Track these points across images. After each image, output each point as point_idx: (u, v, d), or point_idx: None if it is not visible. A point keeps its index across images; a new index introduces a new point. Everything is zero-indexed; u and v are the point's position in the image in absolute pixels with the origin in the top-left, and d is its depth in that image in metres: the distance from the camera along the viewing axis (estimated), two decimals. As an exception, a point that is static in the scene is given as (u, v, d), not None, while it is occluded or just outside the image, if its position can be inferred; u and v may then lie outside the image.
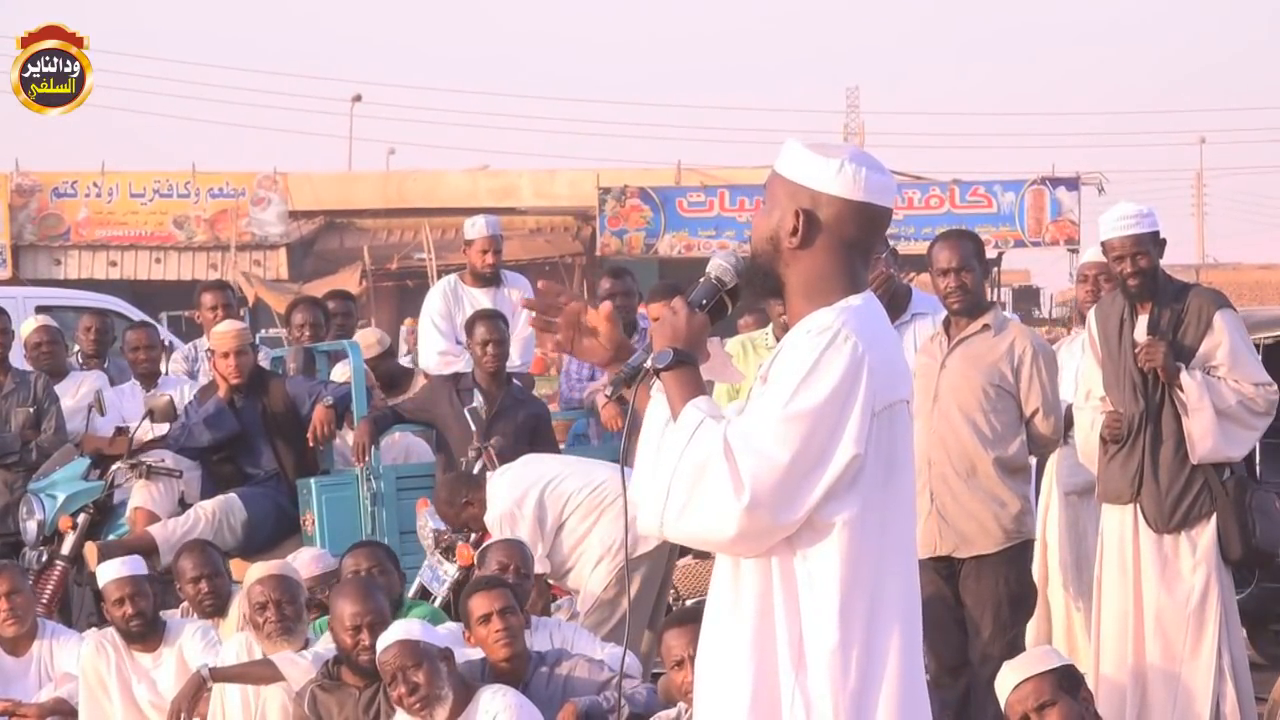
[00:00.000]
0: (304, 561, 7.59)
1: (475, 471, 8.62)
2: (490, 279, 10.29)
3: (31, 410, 9.93)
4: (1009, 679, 5.40)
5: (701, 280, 3.74)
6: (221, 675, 6.86)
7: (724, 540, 3.50)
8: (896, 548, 3.59)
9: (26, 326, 10.67)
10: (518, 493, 8.06)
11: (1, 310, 10.38)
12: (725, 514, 3.45)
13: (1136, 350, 7.09)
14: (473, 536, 8.36)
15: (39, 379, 10.05)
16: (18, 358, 10.43)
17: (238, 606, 7.30)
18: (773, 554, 3.52)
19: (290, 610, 6.95)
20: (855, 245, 3.63)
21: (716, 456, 3.45)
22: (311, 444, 9.42)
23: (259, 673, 6.82)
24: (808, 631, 3.52)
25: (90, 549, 8.91)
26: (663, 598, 8.36)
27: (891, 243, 7.96)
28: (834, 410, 3.46)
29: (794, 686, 3.52)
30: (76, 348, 11.85)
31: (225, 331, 9.61)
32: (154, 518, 9.26)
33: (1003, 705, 5.44)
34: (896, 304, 7.75)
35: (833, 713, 3.50)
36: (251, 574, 7.15)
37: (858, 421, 3.47)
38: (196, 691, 6.84)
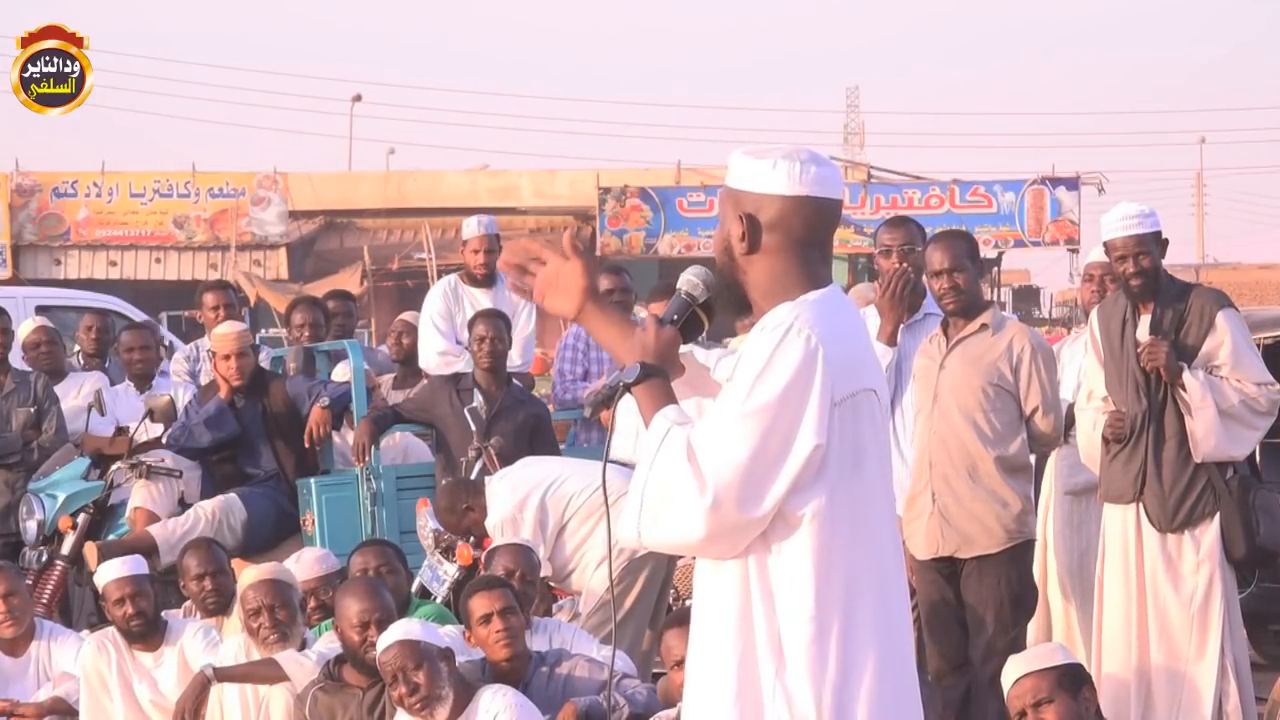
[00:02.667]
0: (307, 562, 7.58)
1: (474, 474, 8.61)
2: (486, 279, 10.28)
3: (32, 410, 9.93)
4: (1012, 673, 5.40)
5: (674, 297, 3.77)
6: (226, 675, 6.86)
7: (695, 542, 3.52)
8: (870, 536, 3.59)
9: (24, 328, 10.66)
10: (519, 496, 8.05)
11: (2, 310, 10.38)
12: (692, 515, 3.48)
13: (1139, 350, 7.09)
14: (472, 537, 8.35)
15: (39, 379, 10.06)
16: (16, 358, 10.43)
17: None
18: (749, 552, 3.55)
19: (284, 615, 6.95)
20: (806, 241, 3.64)
21: (680, 460, 3.48)
22: (308, 445, 9.42)
23: (263, 672, 6.82)
24: (785, 627, 3.54)
25: (90, 549, 8.90)
26: (663, 598, 8.35)
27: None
28: (790, 403, 3.48)
29: (775, 682, 3.54)
30: (77, 348, 11.85)
31: (225, 334, 9.60)
32: (154, 518, 9.26)
33: (1005, 699, 5.45)
34: (912, 304, 7.72)
35: (814, 706, 3.52)
36: (244, 579, 7.15)
37: (816, 413, 3.48)
38: (201, 692, 6.84)
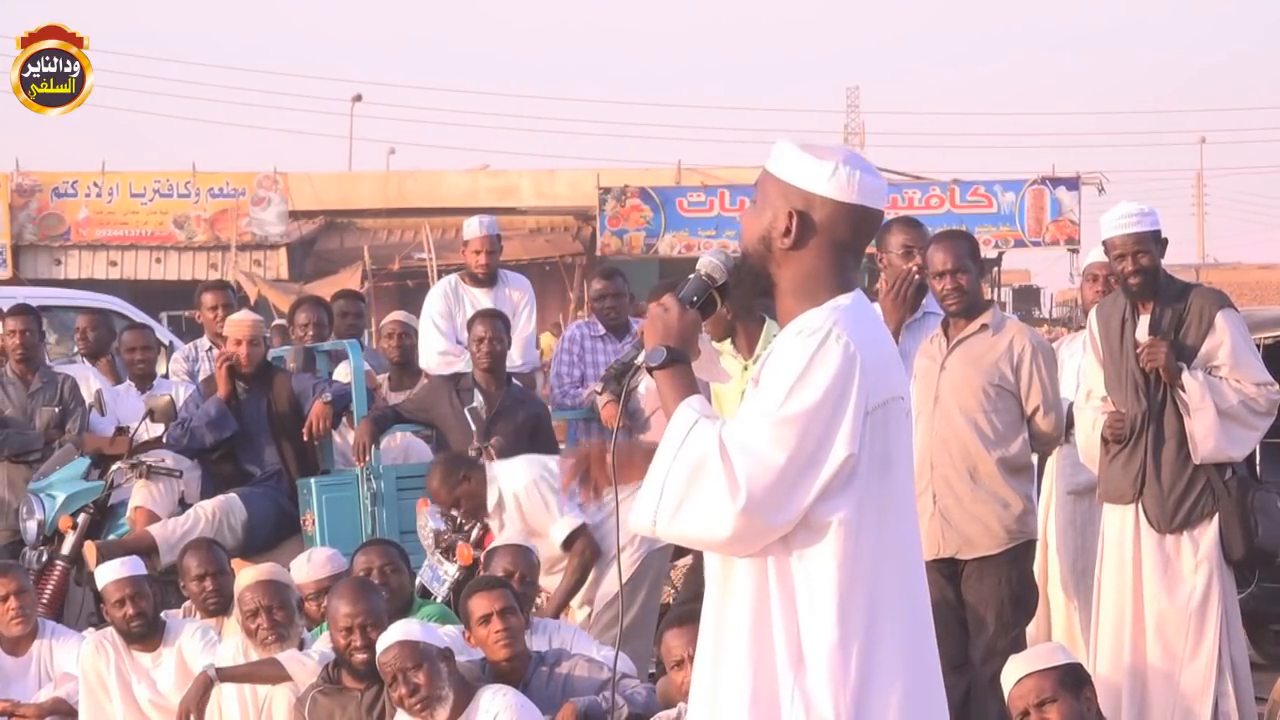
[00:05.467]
0: (318, 563, 7.55)
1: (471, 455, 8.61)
2: (486, 279, 10.29)
3: (56, 410, 9.94)
4: (1013, 673, 5.40)
5: (691, 277, 3.76)
6: (228, 675, 6.85)
7: (719, 541, 3.51)
8: (895, 544, 3.59)
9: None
10: (539, 463, 8.02)
11: (31, 310, 10.38)
12: (721, 515, 3.46)
13: (1138, 350, 7.09)
14: (473, 535, 8.34)
15: (66, 381, 10.08)
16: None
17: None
18: (768, 554, 3.53)
19: (281, 615, 6.94)
20: (846, 247, 3.65)
21: (712, 457, 3.46)
22: (307, 439, 9.42)
23: (266, 672, 6.81)
24: (805, 631, 3.52)
25: (90, 549, 8.90)
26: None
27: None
28: (827, 411, 3.47)
29: (793, 686, 3.52)
30: (76, 349, 11.84)
31: (241, 320, 9.64)
32: (154, 518, 9.26)
33: (1006, 699, 5.44)
34: (913, 304, 7.71)
35: (833, 711, 3.50)
36: (241, 580, 7.14)
37: (851, 421, 3.48)
38: (204, 692, 6.83)
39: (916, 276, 7.54)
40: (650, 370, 3.65)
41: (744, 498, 3.44)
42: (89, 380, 10.42)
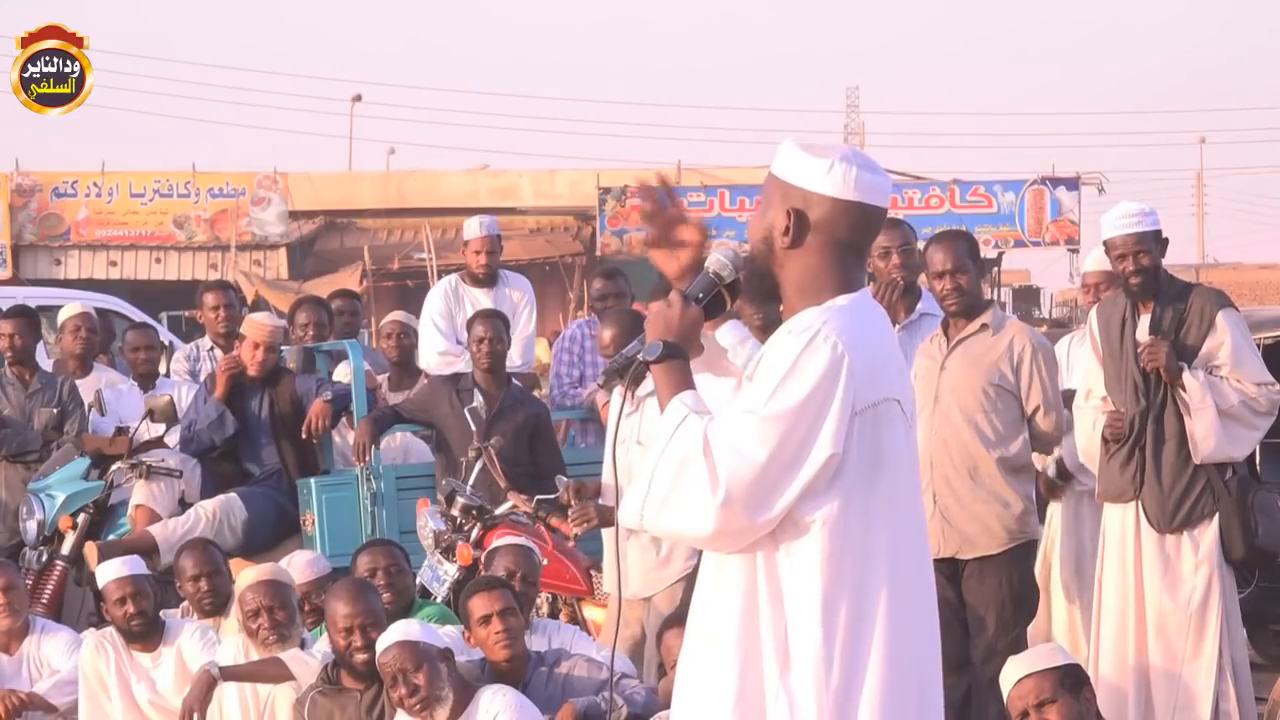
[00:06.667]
0: (298, 567, 7.55)
1: (474, 475, 8.57)
2: (486, 279, 10.30)
3: (55, 411, 9.94)
4: (1012, 674, 5.40)
5: (699, 275, 3.75)
6: (231, 674, 6.85)
7: (702, 536, 3.52)
8: (885, 545, 3.58)
9: (69, 310, 10.67)
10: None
11: (28, 312, 10.39)
12: (702, 510, 3.47)
13: (1139, 350, 7.09)
14: (473, 536, 8.34)
15: (65, 382, 10.10)
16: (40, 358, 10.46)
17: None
18: (758, 550, 3.54)
19: (283, 615, 6.93)
20: (848, 245, 3.64)
21: (695, 452, 3.48)
22: (305, 438, 9.42)
23: (269, 671, 6.81)
24: (792, 629, 3.53)
25: (90, 549, 8.90)
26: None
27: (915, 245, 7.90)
28: (811, 410, 3.47)
29: (778, 684, 3.53)
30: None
31: (262, 323, 9.63)
32: (155, 517, 9.25)
33: (1005, 700, 5.44)
34: (906, 305, 7.72)
35: (815, 711, 3.50)
36: (242, 580, 7.13)
37: (835, 421, 3.48)
38: (207, 691, 6.82)
39: (900, 283, 7.56)
40: (648, 365, 3.65)
41: (723, 493, 3.44)
42: (116, 383, 10.44)
